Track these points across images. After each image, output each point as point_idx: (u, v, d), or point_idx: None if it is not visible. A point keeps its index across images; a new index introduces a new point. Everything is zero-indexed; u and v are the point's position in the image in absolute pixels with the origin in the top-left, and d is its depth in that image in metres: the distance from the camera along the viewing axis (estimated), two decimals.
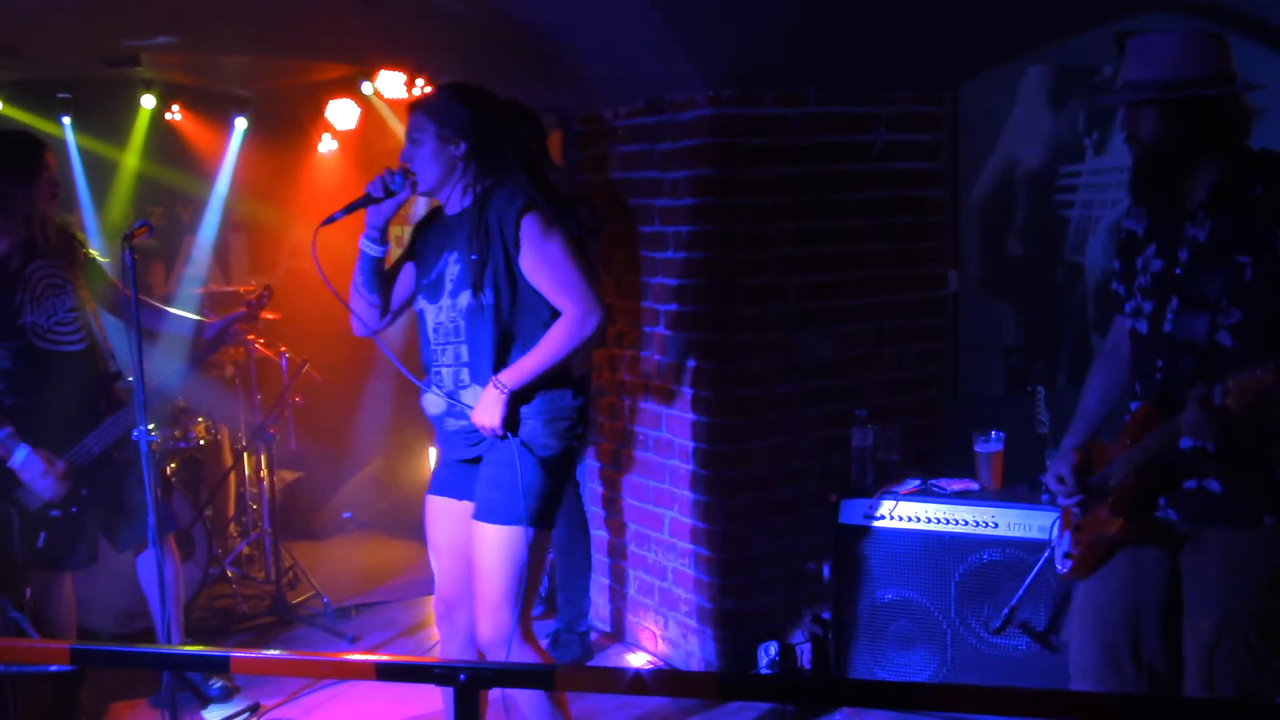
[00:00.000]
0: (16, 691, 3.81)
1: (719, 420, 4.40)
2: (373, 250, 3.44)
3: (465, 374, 3.35)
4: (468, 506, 3.41)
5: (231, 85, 7.76)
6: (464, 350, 3.34)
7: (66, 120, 7.18)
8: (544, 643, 4.83)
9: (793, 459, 4.54)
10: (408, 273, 3.54)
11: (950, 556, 4.09)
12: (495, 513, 3.30)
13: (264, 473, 5.83)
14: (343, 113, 7.31)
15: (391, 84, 6.55)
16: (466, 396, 3.34)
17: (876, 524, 4.17)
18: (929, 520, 4.11)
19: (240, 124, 7.82)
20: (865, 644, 4.22)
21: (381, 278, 3.49)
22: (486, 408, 3.26)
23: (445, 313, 3.37)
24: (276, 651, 3.43)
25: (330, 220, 3.39)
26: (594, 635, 5.05)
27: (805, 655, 4.42)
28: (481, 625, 3.34)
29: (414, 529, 6.66)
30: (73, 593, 4.38)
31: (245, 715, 4.37)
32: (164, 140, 7.71)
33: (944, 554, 4.09)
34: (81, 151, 7.18)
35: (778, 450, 4.50)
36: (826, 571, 4.39)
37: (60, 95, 7.16)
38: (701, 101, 4.30)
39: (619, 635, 5.07)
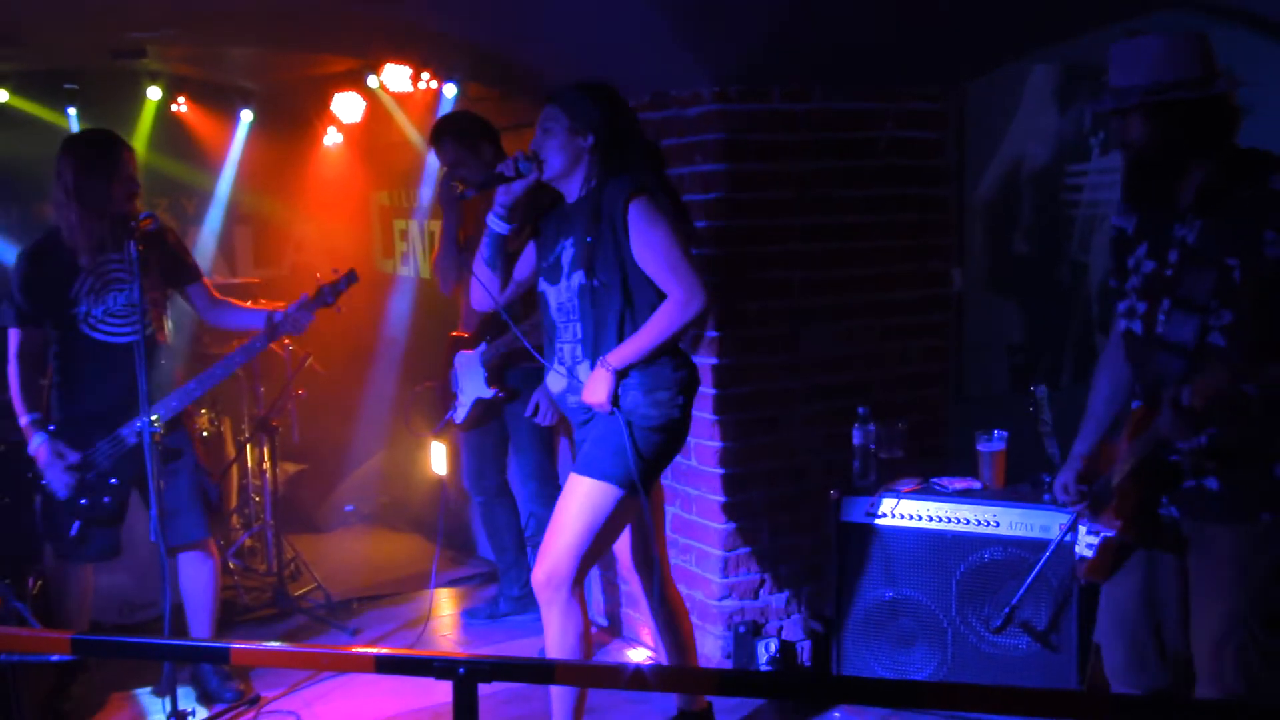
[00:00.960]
0: (17, 681, 3.82)
1: (721, 416, 4.39)
2: (499, 227, 3.59)
3: (579, 350, 3.53)
4: None
5: (237, 78, 7.76)
6: (578, 328, 3.52)
7: (72, 111, 7.18)
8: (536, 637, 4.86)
9: (795, 455, 4.53)
10: (529, 255, 3.72)
11: (951, 555, 4.08)
12: (590, 467, 3.48)
13: (266, 465, 5.84)
14: (348, 106, 7.29)
15: (397, 78, 6.53)
16: (580, 372, 3.53)
17: (878, 522, 4.17)
18: (930, 519, 4.10)
19: (246, 116, 7.82)
20: (866, 642, 4.21)
21: (505, 254, 3.65)
22: (595, 386, 3.44)
23: (564, 293, 3.55)
24: (275, 644, 3.44)
25: (465, 195, 3.59)
26: (593, 630, 5.04)
27: (805, 653, 4.42)
28: (541, 566, 3.50)
29: (416, 522, 6.69)
30: (91, 588, 4.39)
31: (245, 707, 4.38)
32: (169, 132, 7.70)
33: (945, 552, 4.09)
34: None
35: (780, 446, 4.50)
36: (828, 569, 4.38)
37: (67, 86, 7.16)
38: (707, 97, 4.29)
39: (617, 631, 5.07)
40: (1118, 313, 3.08)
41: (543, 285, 3.63)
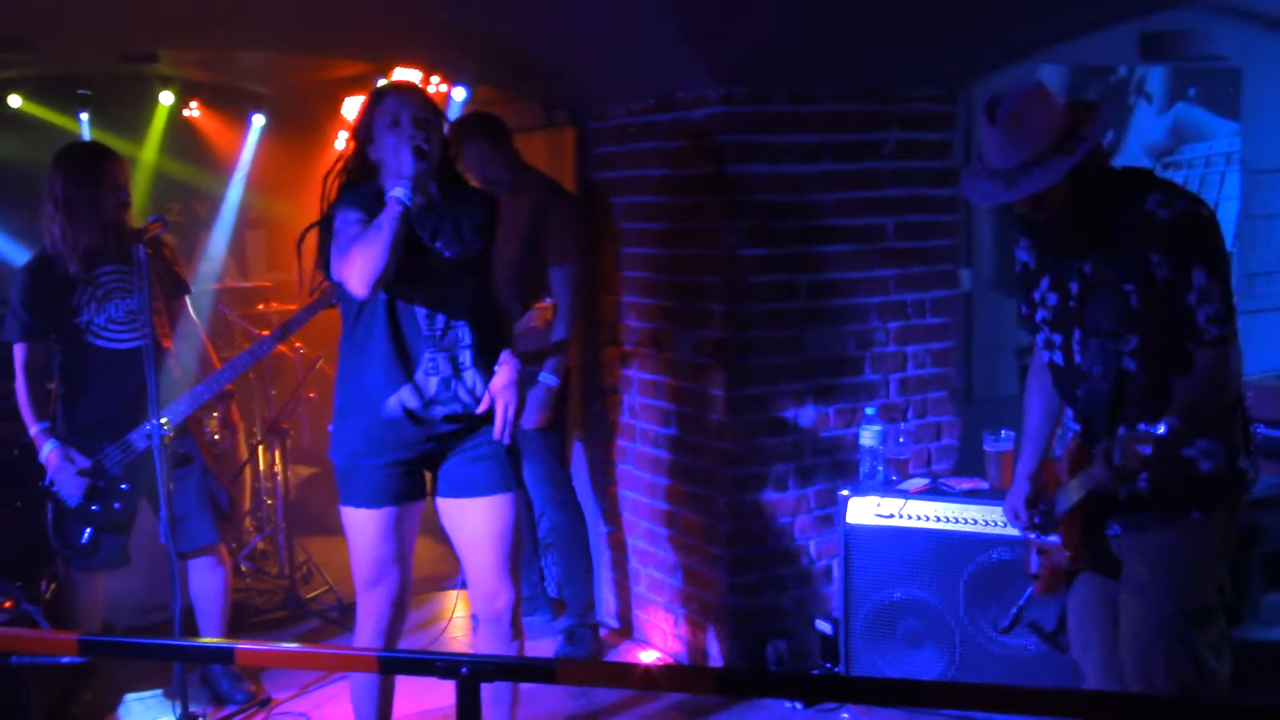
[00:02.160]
0: (28, 684, 3.84)
1: (729, 418, 4.40)
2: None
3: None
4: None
5: (249, 82, 7.81)
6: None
7: (84, 116, 7.23)
8: (558, 639, 4.87)
9: (803, 456, 4.53)
10: None
11: (959, 555, 4.08)
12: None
13: (278, 468, 5.86)
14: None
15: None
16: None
17: (886, 522, 4.17)
18: (938, 519, 4.10)
19: (258, 120, 7.87)
20: (874, 642, 4.21)
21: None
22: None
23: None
24: (280, 644, 3.46)
25: (348, 183, 3.42)
26: (603, 632, 5.06)
27: (815, 654, 4.42)
28: (508, 593, 3.51)
29: (428, 525, 6.69)
30: (103, 592, 4.42)
31: (256, 709, 4.40)
32: (182, 136, 7.76)
33: (953, 553, 4.09)
34: None
35: (787, 448, 4.50)
36: (836, 570, 4.39)
37: (80, 91, 7.21)
38: (713, 99, 4.30)
39: (628, 632, 5.07)
40: (1036, 344, 3.12)
41: (416, 290, 3.42)
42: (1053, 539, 3.10)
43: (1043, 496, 3.12)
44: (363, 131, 3.34)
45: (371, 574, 3.50)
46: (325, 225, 3.38)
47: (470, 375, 3.43)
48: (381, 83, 3.54)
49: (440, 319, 3.39)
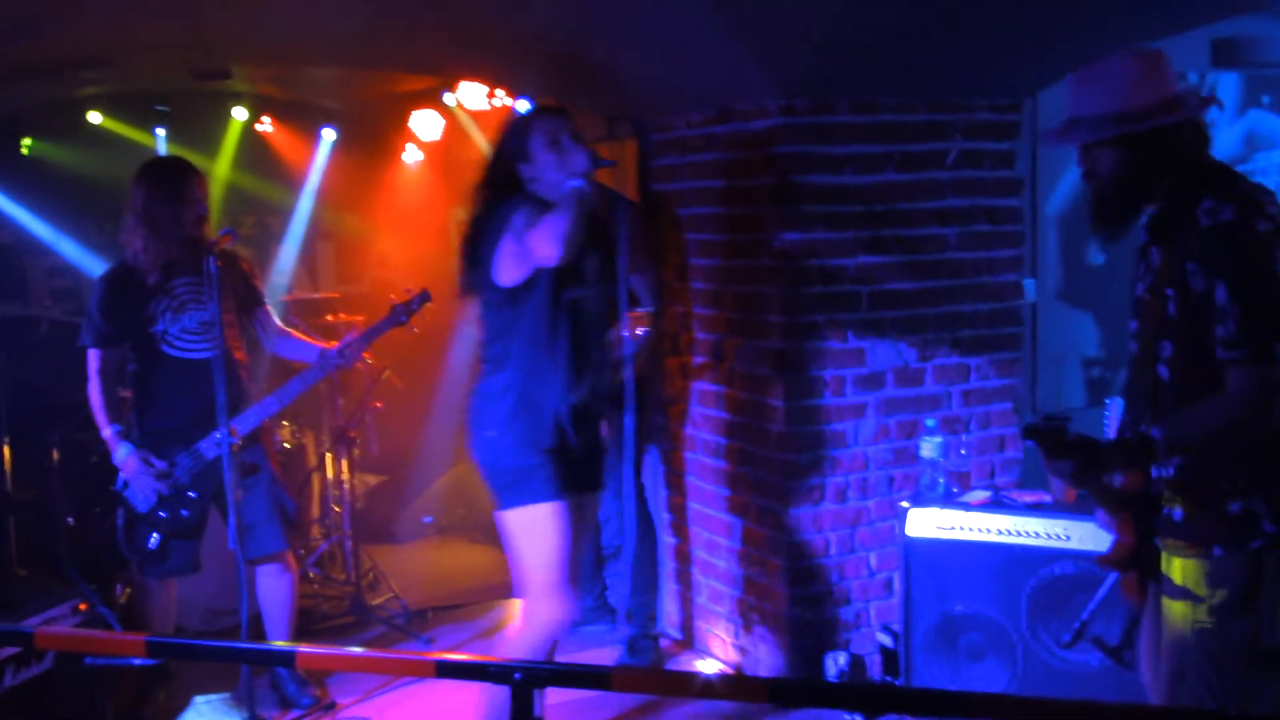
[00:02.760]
0: (102, 684, 3.95)
1: (789, 429, 4.40)
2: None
3: None
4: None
5: (320, 97, 7.95)
6: None
7: (160, 132, 7.40)
8: (619, 649, 4.89)
9: (864, 468, 4.52)
10: None
11: (1021, 569, 4.03)
12: None
13: (345, 476, 5.95)
14: (427, 124, 7.44)
15: (473, 95, 6.65)
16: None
17: (947, 535, 4.14)
18: (1000, 532, 4.06)
19: (328, 135, 8.00)
20: (935, 656, 4.18)
21: None
22: None
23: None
24: (340, 648, 3.51)
25: (605, 164, 3.68)
26: (665, 643, 5.07)
27: (875, 666, 4.40)
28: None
29: (491, 533, 6.75)
30: (175, 599, 4.52)
31: (322, 713, 4.47)
32: (254, 151, 7.91)
33: (1015, 567, 4.04)
34: None
35: (848, 459, 4.49)
36: (896, 582, 4.36)
37: (158, 108, 7.39)
38: (773, 110, 4.31)
39: (690, 643, 5.08)
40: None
41: (581, 292, 3.66)
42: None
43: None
44: (515, 150, 3.63)
45: (561, 572, 3.59)
46: (478, 229, 3.62)
47: (611, 374, 3.73)
48: (524, 107, 3.77)
49: (602, 321, 3.71)
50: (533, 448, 3.59)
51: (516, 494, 3.59)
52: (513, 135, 3.67)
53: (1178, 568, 2.79)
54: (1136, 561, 2.94)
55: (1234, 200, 2.65)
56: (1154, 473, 2.78)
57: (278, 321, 4.60)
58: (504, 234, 3.52)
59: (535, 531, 3.59)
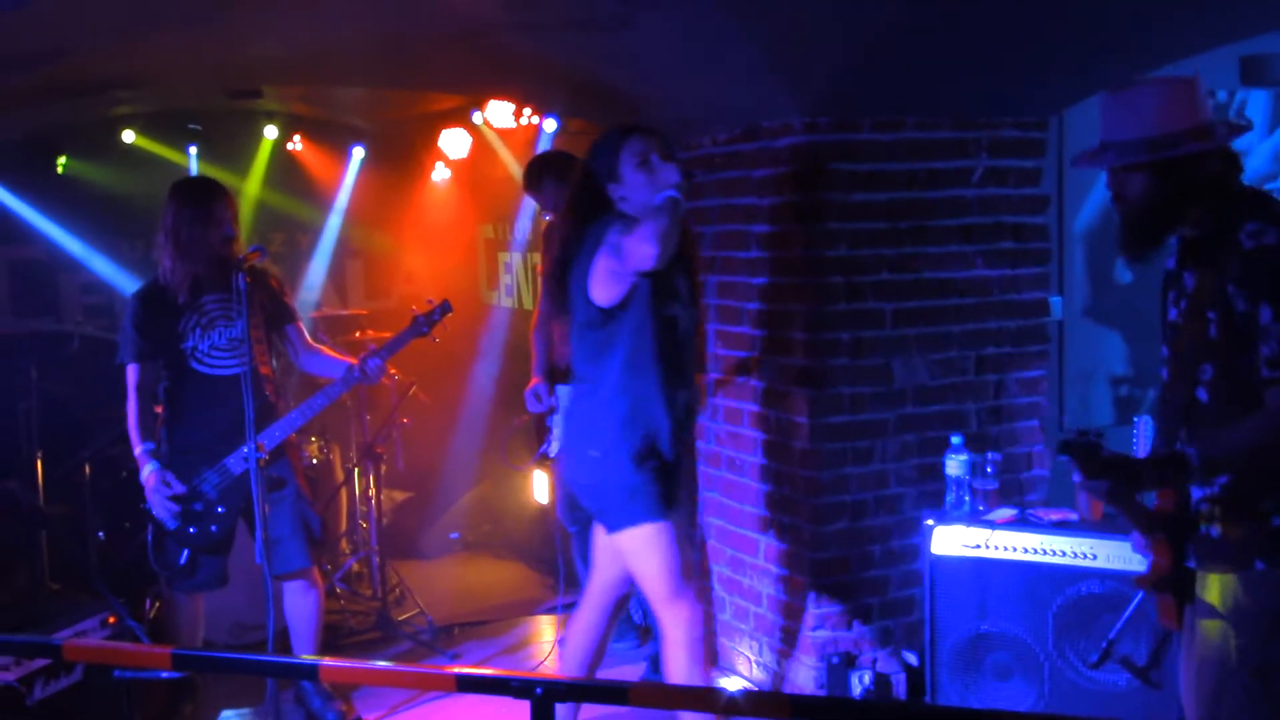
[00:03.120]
0: (130, 697, 3.98)
1: (814, 446, 4.39)
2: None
3: None
4: None
5: (350, 116, 8.02)
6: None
7: (193, 150, 7.49)
8: (643, 665, 4.90)
9: (888, 485, 4.51)
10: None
11: (1048, 588, 4.01)
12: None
13: (372, 491, 5.98)
14: (455, 142, 7.49)
15: (501, 114, 6.70)
16: None
17: (972, 553, 4.12)
18: (1026, 550, 4.04)
19: (358, 154, 8.07)
20: (960, 675, 4.16)
21: None
22: None
23: (688, 322, 3.79)
24: (362, 662, 3.53)
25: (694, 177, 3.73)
26: None
27: (900, 685, 4.38)
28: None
29: (517, 550, 6.79)
30: (202, 614, 4.55)
31: None
32: (285, 169, 7.99)
33: (1041, 585, 4.02)
34: None
35: (873, 477, 4.48)
36: (921, 600, 4.34)
37: (191, 126, 7.48)
38: (798, 128, 4.32)
39: (713, 660, 5.07)
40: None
41: (677, 310, 3.69)
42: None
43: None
44: (605, 171, 3.69)
45: (676, 579, 3.68)
46: (569, 250, 3.69)
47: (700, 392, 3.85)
48: (609, 131, 3.77)
49: (692, 339, 3.77)
50: (641, 466, 3.62)
51: (629, 514, 3.62)
52: (602, 155, 3.69)
53: (1215, 586, 2.78)
54: (1173, 584, 2.92)
55: (1277, 223, 2.66)
56: (1195, 493, 2.78)
57: (308, 338, 4.64)
58: (599, 252, 3.56)
59: (651, 548, 3.64)
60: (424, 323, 4.50)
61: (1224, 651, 2.75)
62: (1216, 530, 2.77)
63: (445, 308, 4.50)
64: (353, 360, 4.48)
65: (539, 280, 5.89)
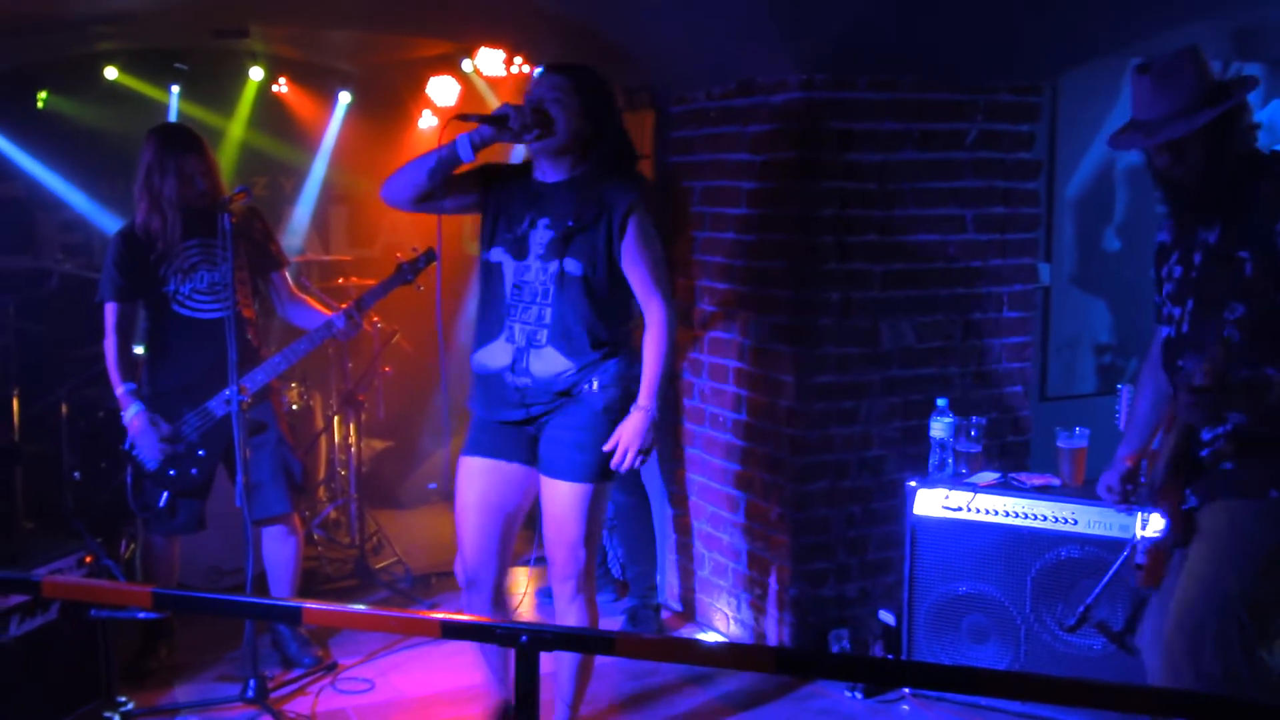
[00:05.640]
0: (107, 637, 3.96)
1: (798, 405, 4.39)
2: (467, 155, 3.47)
3: (543, 335, 3.48)
4: (514, 469, 3.60)
5: (337, 60, 7.91)
6: (547, 313, 3.48)
7: (175, 89, 7.37)
8: (620, 619, 4.90)
9: (871, 447, 4.51)
10: (465, 190, 3.65)
11: (1027, 551, 4.04)
12: (579, 472, 3.51)
13: (352, 439, 5.96)
14: (443, 89, 7.38)
15: (491, 61, 6.61)
16: (539, 357, 3.49)
17: (954, 515, 4.14)
18: (1007, 514, 4.06)
19: (344, 98, 7.97)
20: (938, 636, 4.19)
21: (449, 180, 3.54)
22: (637, 433, 3.44)
23: (532, 273, 3.50)
24: (344, 605, 3.53)
25: (466, 118, 3.45)
26: (666, 614, 5.08)
27: (877, 646, 4.40)
28: (566, 566, 3.56)
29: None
30: (179, 557, 4.54)
31: (323, 673, 4.49)
32: (270, 112, 7.88)
33: (1021, 549, 4.05)
34: (189, 120, 7.35)
35: (857, 437, 4.48)
36: (901, 561, 4.36)
37: (176, 66, 7.36)
38: (793, 84, 4.28)
39: (691, 615, 5.09)
40: (1159, 319, 3.19)
41: (499, 256, 3.54)
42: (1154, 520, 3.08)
43: (1137, 477, 3.19)
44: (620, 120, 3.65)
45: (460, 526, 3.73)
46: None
47: (545, 355, 3.48)
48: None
49: (526, 292, 3.50)
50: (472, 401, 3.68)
51: (605, 469, 3.54)
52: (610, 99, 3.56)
53: (1223, 516, 2.90)
54: (1178, 542, 3.02)
55: None
56: (1205, 434, 2.93)
57: (293, 287, 4.59)
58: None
59: (599, 507, 3.60)
60: (409, 270, 4.47)
61: (1221, 584, 2.83)
62: (1230, 464, 2.90)
63: (430, 255, 4.47)
64: (337, 310, 4.43)
65: None
